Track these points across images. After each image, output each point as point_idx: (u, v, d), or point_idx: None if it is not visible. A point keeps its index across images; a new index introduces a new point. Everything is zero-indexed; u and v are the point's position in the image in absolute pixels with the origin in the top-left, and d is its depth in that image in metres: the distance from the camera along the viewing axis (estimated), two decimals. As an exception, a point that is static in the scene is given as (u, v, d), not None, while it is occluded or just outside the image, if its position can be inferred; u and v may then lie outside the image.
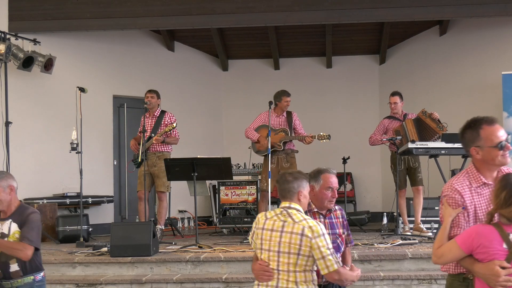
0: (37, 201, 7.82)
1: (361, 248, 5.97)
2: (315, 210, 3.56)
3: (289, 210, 3.27)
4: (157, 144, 7.20)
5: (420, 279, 5.36)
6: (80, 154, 6.92)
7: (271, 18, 8.19)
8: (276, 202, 7.04)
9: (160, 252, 6.13)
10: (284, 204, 3.32)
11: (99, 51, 9.09)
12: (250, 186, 8.01)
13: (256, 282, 3.31)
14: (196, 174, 6.56)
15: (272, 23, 8.83)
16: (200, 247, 6.25)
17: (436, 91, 9.58)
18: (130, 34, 9.41)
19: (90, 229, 7.70)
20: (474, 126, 2.88)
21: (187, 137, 8.53)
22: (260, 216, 3.36)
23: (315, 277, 3.26)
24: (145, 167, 6.92)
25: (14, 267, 3.71)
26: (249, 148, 7.61)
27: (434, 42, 9.81)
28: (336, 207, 3.66)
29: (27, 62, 7.84)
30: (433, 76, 9.71)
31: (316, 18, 8.14)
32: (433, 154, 6.65)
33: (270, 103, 7.07)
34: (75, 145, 6.90)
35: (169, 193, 7.54)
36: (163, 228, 7.42)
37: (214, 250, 6.11)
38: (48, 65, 8.04)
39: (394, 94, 7.42)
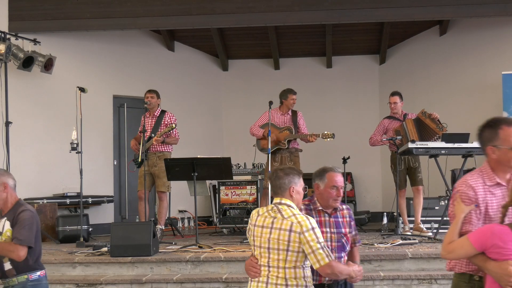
0: (37, 201, 7.82)
1: (361, 248, 5.95)
2: (320, 208, 3.54)
3: (280, 206, 3.28)
4: (157, 144, 7.21)
5: (420, 279, 5.36)
6: (80, 154, 6.92)
7: (271, 18, 8.20)
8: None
9: (160, 252, 6.13)
10: (275, 200, 3.34)
11: (99, 51, 9.09)
12: (250, 186, 8.01)
13: (249, 278, 3.34)
14: (196, 174, 6.56)
15: (272, 23, 8.83)
16: (200, 247, 6.25)
17: (436, 91, 9.58)
18: (130, 34, 9.41)
19: (90, 229, 7.70)
20: (494, 125, 2.88)
21: (187, 137, 8.53)
22: (254, 213, 3.38)
23: (308, 274, 3.25)
24: (145, 167, 6.92)
25: (7, 265, 3.72)
26: (253, 146, 7.61)
27: (434, 42, 9.81)
28: (344, 206, 3.65)
29: (27, 62, 7.84)
30: (433, 76, 9.71)
31: (316, 18, 8.14)
32: (433, 154, 6.65)
33: (270, 103, 7.07)
34: (75, 145, 6.89)
35: (169, 193, 7.53)
36: (163, 228, 7.42)
37: (214, 250, 6.11)
38: (48, 65, 8.04)
39: (394, 94, 7.43)
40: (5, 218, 3.76)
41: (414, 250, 5.79)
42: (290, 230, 3.16)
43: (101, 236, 8.14)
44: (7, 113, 7.76)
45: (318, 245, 3.13)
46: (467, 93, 9.16)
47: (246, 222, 7.77)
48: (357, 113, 10.39)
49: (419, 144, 6.55)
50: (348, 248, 3.59)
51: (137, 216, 8.15)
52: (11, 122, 7.76)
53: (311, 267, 3.28)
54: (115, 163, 9.19)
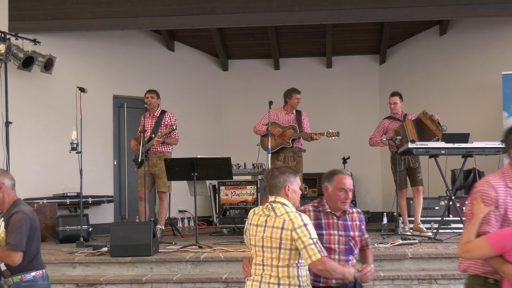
0: (37, 201, 7.82)
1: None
2: (328, 210, 3.53)
3: (274, 204, 3.28)
4: (157, 145, 7.21)
5: (420, 279, 5.36)
6: (80, 154, 6.92)
7: (271, 18, 8.19)
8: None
9: (160, 252, 6.13)
10: (271, 198, 3.34)
11: (99, 51, 9.09)
12: (250, 186, 8.00)
13: (246, 278, 3.37)
14: (196, 174, 6.56)
15: (272, 23, 8.83)
16: (200, 247, 6.25)
17: (436, 91, 9.58)
18: (130, 34, 9.41)
19: (90, 229, 7.70)
20: None
21: (187, 137, 8.53)
22: (251, 212, 3.40)
23: (302, 273, 3.23)
24: (145, 167, 6.92)
25: (2, 266, 3.75)
26: (257, 145, 7.60)
27: (434, 42, 9.81)
28: (354, 210, 3.62)
29: (27, 62, 7.83)
30: (433, 76, 9.71)
31: (316, 18, 8.14)
32: (433, 154, 6.66)
33: (270, 103, 7.08)
34: (75, 145, 6.90)
35: (169, 193, 7.53)
36: (163, 228, 7.43)
37: (214, 250, 6.11)
38: (48, 65, 8.04)
39: (393, 94, 7.42)
40: (2, 218, 3.76)
41: (414, 250, 5.80)
42: (282, 228, 3.16)
43: (101, 236, 8.14)
44: (7, 113, 7.76)
45: (310, 241, 3.12)
46: (467, 93, 9.16)
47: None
48: (357, 113, 10.39)
49: (419, 144, 6.55)
50: (356, 251, 3.57)
51: (137, 216, 8.15)
52: (11, 122, 7.76)
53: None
54: (115, 163, 9.19)
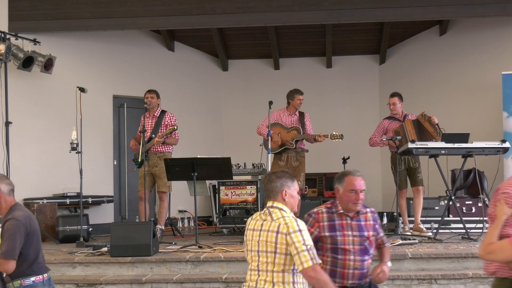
0: (37, 201, 7.82)
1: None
2: (341, 211, 3.54)
3: (271, 209, 3.26)
4: (158, 145, 7.20)
5: (420, 279, 5.36)
6: (80, 154, 6.92)
7: (271, 18, 8.19)
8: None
9: (160, 252, 6.13)
10: (268, 203, 3.31)
11: (99, 51, 9.09)
12: (250, 186, 8.01)
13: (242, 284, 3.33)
14: (196, 174, 6.56)
15: (272, 23, 8.83)
16: (200, 247, 6.25)
17: (436, 91, 9.58)
18: (130, 34, 9.41)
19: (90, 229, 7.70)
20: None
21: (187, 137, 8.53)
22: (249, 219, 3.38)
23: (298, 280, 3.19)
24: (145, 167, 6.92)
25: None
26: (260, 145, 7.60)
27: (434, 42, 9.81)
28: (368, 210, 3.63)
29: (27, 62, 7.83)
30: (433, 76, 9.71)
31: (316, 18, 8.14)
32: (433, 154, 6.66)
33: (270, 102, 7.08)
34: (75, 145, 6.89)
35: (169, 193, 7.53)
36: (163, 228, 7.42)
37: (214, 250, 6.11)
38: (48, 65, 8.03)
39: (393, 95, 7.42)
40: (0, 224, 3.74)
41: (414, 250, 5.79)
42: (277, 232, 3.12)
43: (101, 236, 8.14)
44: (7, 113, 7.76)
45: (304, 247, 3.07)
46: (467, 93, 9.16)
47: (246, 222, 7.80)
48: (357, 113, 10.39)
49: (419, 144, 6.56)
50: (371, 251, 3.57)
51: (137, 216, 8.15)
52: (11, 122, 7.76)
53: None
54: (115, 163, 9.19)
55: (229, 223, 8.09)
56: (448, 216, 7.54)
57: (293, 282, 3.15)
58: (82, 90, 7.00)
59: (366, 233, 3.53)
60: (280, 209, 3.25)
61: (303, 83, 10.08)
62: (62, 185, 8.26)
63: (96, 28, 8.34)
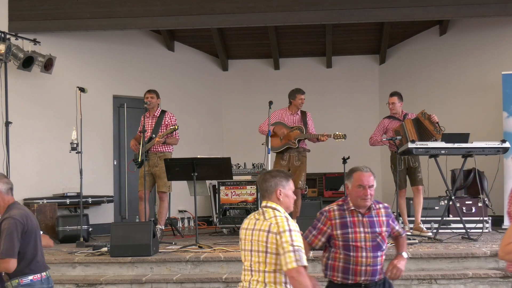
0: (37, 201, 7.82)
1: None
2: (352, 208, 3.55)
3: (264, 209, 3.24)
4: (158, 145, 7.20)
5: (420, 279, 5.36)
6: (80, 154, 6.92)
7: (271, 18, 8.19)
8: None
9: (160, 252, 6.13)
10: (262, 203, 3.30)
11: (99, 51, 9.09)
12: (250, 186, 8.01)
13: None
14: (196, 174, 6.56)
15: (272, 23, 8.83)
16: (200, 247, 6.25)
17: (436, 91, 9.58)
18: (130, 34, 9.41)
19: (90, 229, 7.70)
20: None
21: (187, 137, 8.53)
22: (245, 218, 3.37)
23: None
24: (145, 167, 6.92)
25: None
26: (262, 144, 7.60)
27: (434, 42, 9.81)
28: (381, 205, 3.63)
29: (27, 62, 7.83)
30: (433, 76, 9.71)
31: (316, 18, 8.14)
32: (433, 154, 6.66)
33: (270, 102, 7.08)
34: (75, 145, 6.90)
35: (169, 193, 7.53)
36: (163, 228, 7.42)
37: (214, 250, 6.11)
38: (48, 65, 8.03)
39: (392, 94, 7.42)
40: None
41: (414, 250, 5.79)
42: (268, 231, 3.10)
43: (101, 236, 8.14)
44: (7, 113, 7.76)
45: (291, 248, 3.03)
46: (467, 93, 9.16)
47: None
48: (357, 113, 10.39)
49: (419, 144, 6.56)
50: (385, 247, 3.57)
51: (137, 216, 8.15)
52: (11, 122, 7.76)
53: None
54: (115, 163, 9.19)
55: (229, 223, 8.09)
56: (448, 216, 7.54)
57: (285, 283, 3.13)
58: (82, 90, 7.01)
59: (378, 229, 3.53)
60: (274, 208, 3.22)
61: (303, 83, 10.07)
62: (62, 185, 8.26)
63: (96, 28, 8.35)
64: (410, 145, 6.53)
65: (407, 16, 8.16)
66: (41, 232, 4.00)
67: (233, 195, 8.05)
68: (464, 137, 6.66)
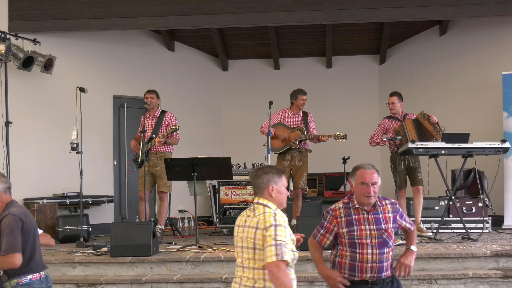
0: (37, 201, 7.82)
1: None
2: (357, 206, 3.57)
3: (255, 205, 3.23)
4: (158, 145, 7.20)
5: (420, 279, 5.36)
6: (80, 154, 6.92)
7: (271, 18, 8.19)
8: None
9: (160, 252, 6.13)
10: (254, 199, 3.28)
11: (99, 51, 9.09)
12: (250, 186, 7.99)
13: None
14: (196, 174, 6.56)
15: (272, 23, 8.83)
16: (200, 247, 6.25)
17: (436, 91, 9.58)
18: (130, 34, 9.41)
19: (90, 229, 7.71)
20: None
21: (187, 137, 8.53)
22: (239, 215, 3.37)
23: None
24: (145, 167, 6.92)
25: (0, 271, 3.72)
26: (263, 145, 7.59)
27: (434, 42, 9.81)
28: (387, 202, 3.64)
29: (27, 62, 7.83)
30: (433, 76, 9.71)
31: (316, 18, 8.14)
32: (433, 154, 6.65)
33: (270, 102, 7.08)
34: (75, 145, 6.90)
35: (169, 193, 7.53)
36: (163, 228, 7.42)
37: (214, 250, 6.11)
38: (48, 65, 8.03)
39: (392, 94, 7.42)
40: None
41: (414, 250, 5.78)
42: (256, 228, 3.09)
43: (101, 236, 8.14)
44: (7, 113, 7.77)
45: (273, 242, 2.99)
46: (467, 93, 9.16)
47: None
48: (357, 113, 10.39)
49: (419, 144, 6.55)
50: (391, 243, 3.58)
51: (137, 216, 8.15)
52: (11, 122, 7.76)
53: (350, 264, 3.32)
54: (115, 163, 9.19)
55: (229, 223, 8.09)
56: (448, 216, 7.54)
57: None
58: (82, 90, 7.01)
59: (384, 226, 3.55)
60: (265, 205, 3.19)
61: (303, 83, 10.08)
62: (62, 185, 8.27)
63: (96, 28, 8.35)
64: (410, 145, 6.52)
65: (407, 16, 8.16)
66: (42, 231, 4.00)
67: (233, 195, 8.06)
68: (464, 137, 6.66)
